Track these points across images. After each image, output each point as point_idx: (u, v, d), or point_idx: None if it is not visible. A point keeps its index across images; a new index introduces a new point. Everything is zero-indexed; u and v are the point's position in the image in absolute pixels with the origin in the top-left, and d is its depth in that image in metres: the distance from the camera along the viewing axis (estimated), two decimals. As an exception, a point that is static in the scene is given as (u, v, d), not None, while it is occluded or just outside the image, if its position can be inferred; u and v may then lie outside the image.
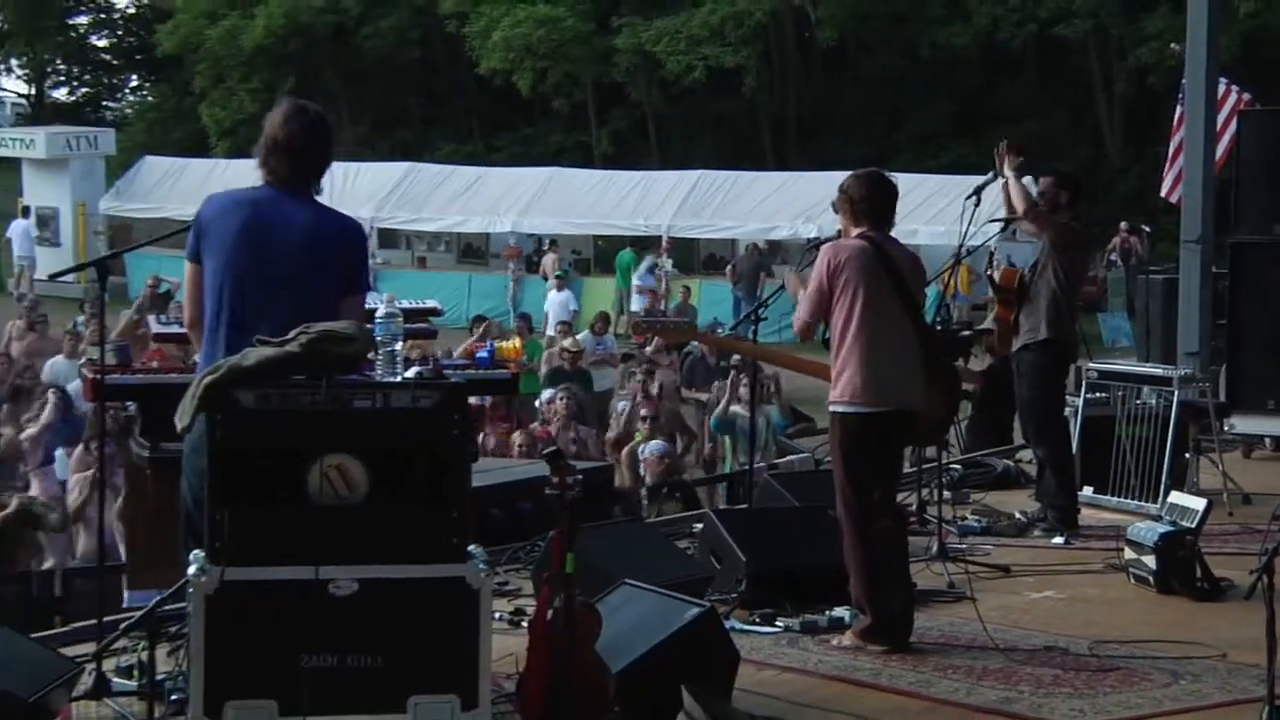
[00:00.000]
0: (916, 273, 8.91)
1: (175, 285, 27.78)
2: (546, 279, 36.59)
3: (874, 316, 8.51)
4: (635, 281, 34.71)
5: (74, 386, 17.34)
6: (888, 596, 8.56)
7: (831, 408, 8.68)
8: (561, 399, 17.60)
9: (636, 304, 32.84)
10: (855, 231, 8.75)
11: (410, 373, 6.47)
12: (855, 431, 8.56)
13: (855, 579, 8.58)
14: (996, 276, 12.30)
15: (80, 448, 14.55)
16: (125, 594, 10.86)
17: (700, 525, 10.54)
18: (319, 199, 7.19)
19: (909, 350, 8.60)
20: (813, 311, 8.75)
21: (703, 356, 23.44)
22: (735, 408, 17.09)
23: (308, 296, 6.88)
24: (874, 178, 8.90)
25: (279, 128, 7.10)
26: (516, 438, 16.67)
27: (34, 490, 13.90)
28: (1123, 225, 37.01)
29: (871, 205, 8.74)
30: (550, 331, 28.12)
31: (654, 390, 18.68)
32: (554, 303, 32.24)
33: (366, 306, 7.20)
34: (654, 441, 15.88)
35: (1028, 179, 11.77)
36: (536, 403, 19.13)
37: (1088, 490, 12.31)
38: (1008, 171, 11.57)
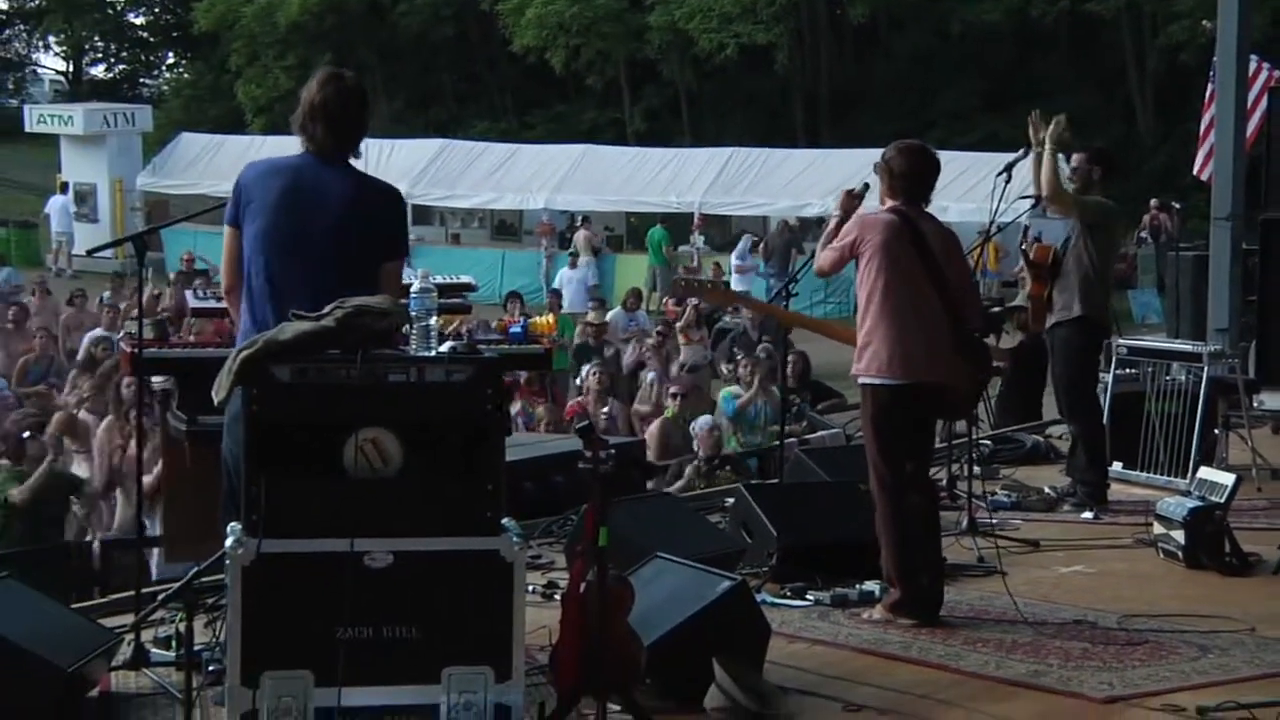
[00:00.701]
0: (949, 247, 8.83)
1: (214, 270, 27.97)
2: (579, 254, 36.61)
3: (900, 290, 8.53)
4: (734, 261, 34.15)
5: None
6: (918, 570, 8.61)
7: (860, 380, 8.71)
8: (594, 374, 17.67)
9: (737, 284, 31.96)
10: (889, 204, 8.76)
11: (444, 347, 6.52)
12: (885, 404, 8.59)
13: (886, 552, 8.62)
14: (1030, 253, 12.31)
15: (110, 418, 14.58)
16: (154, 567, 10.97)
17: (732, 499, 10.60)
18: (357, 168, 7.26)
19: (936, 324, 8.58)
20: (832, 264, 8.90)
21: (745, 331, 23.46)
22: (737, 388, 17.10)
23: (347, 262, 6.94)
24: (916, 153, 8.85)
25: (316, 93, 7.15)
26: (541, 414, 16.76)
27: (82, 472, 13.97)
28: (1153, 203, 36.91)
29: (909, 182, 8.73)
30: (566, 309, 28.10)
31: (665, 360, 18.73)
32: (569, 280, 32.25)
33: (402, 281, 7.25)
34: (704, 416, 15.91)
35: (1058, 155, 11.76)
36: (577, 380, 19.17)
37: (1117, 466, 12.33)
38: (1047, 146, 11.55)
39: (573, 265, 33.79)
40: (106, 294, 25.28)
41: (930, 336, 8.57)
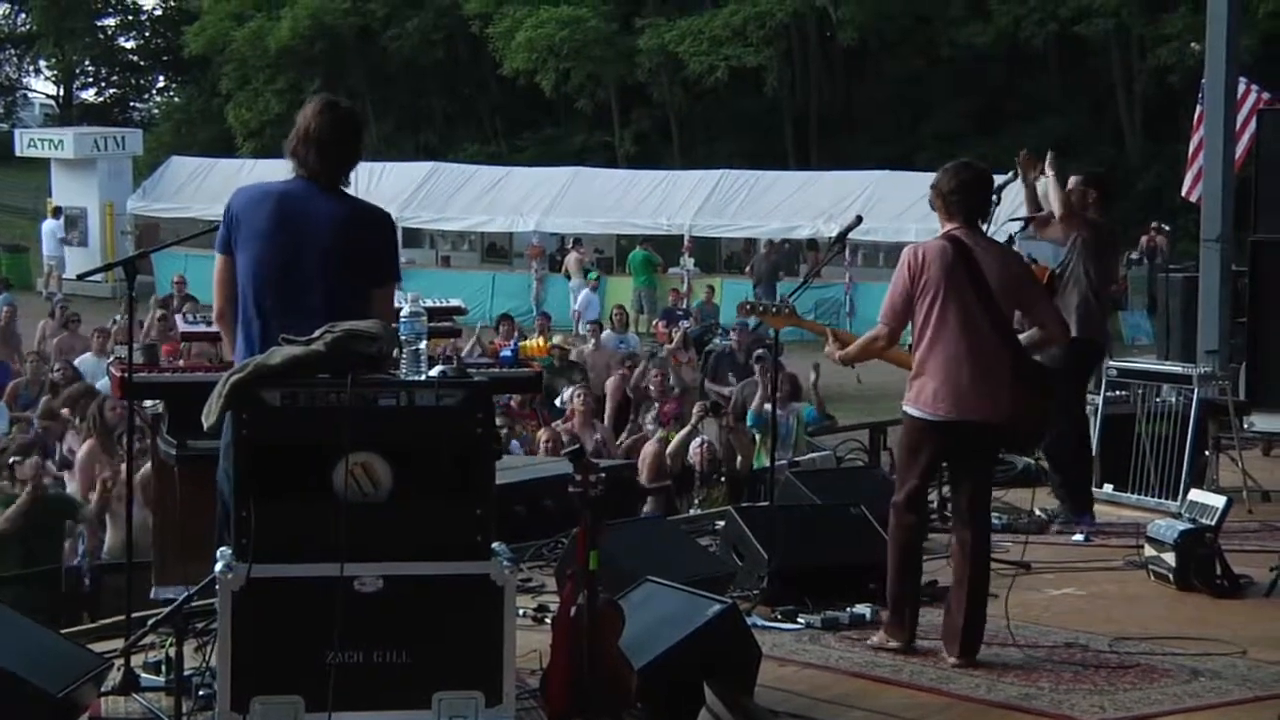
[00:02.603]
0: (1010, 274, 8.57)
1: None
2: (570, 278, 36.67)
3: (954, 321, 8.29)
4: None
5: (103, 384, 17.49)
6: (908, 595, 8.59)
7: (905, 409, 8.51)
8: (579, 396, 17.63)
9: None
10: (947, 228, 8.56)
11: (434, 371, 6.52)
12: (920, 435, 8.42)
13: (890, 574, 8.55)
14: None
15: (91, 441, 14.51)
16: (153, 589, 10.94)
17: (722, 522, 10.59)
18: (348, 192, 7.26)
19: (992, 358, 8.32)
20: (898, 317, 8.49)
21: (731, 352, 23.51)
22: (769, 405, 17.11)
23: (338, 287, 6.94)
24: (961, 167, 8.70)
25: (310, 120, 7.15)
26: (542, 435, 16.72)
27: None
28: (1154, 225, 36.87)
29: (963, 196, 8.54)
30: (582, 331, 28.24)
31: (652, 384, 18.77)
32: (591, 301, 32.39)
33: (394, 306, 7.23)
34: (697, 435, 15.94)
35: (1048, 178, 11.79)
36: (557, 401, 19.14)
37: (1108, 488, 12.36)
38: (1050, 172, 11.56)
39: (594, 288, 33.78)
40: (119, 316, 25.24)
41: (983, 369, 8.31)
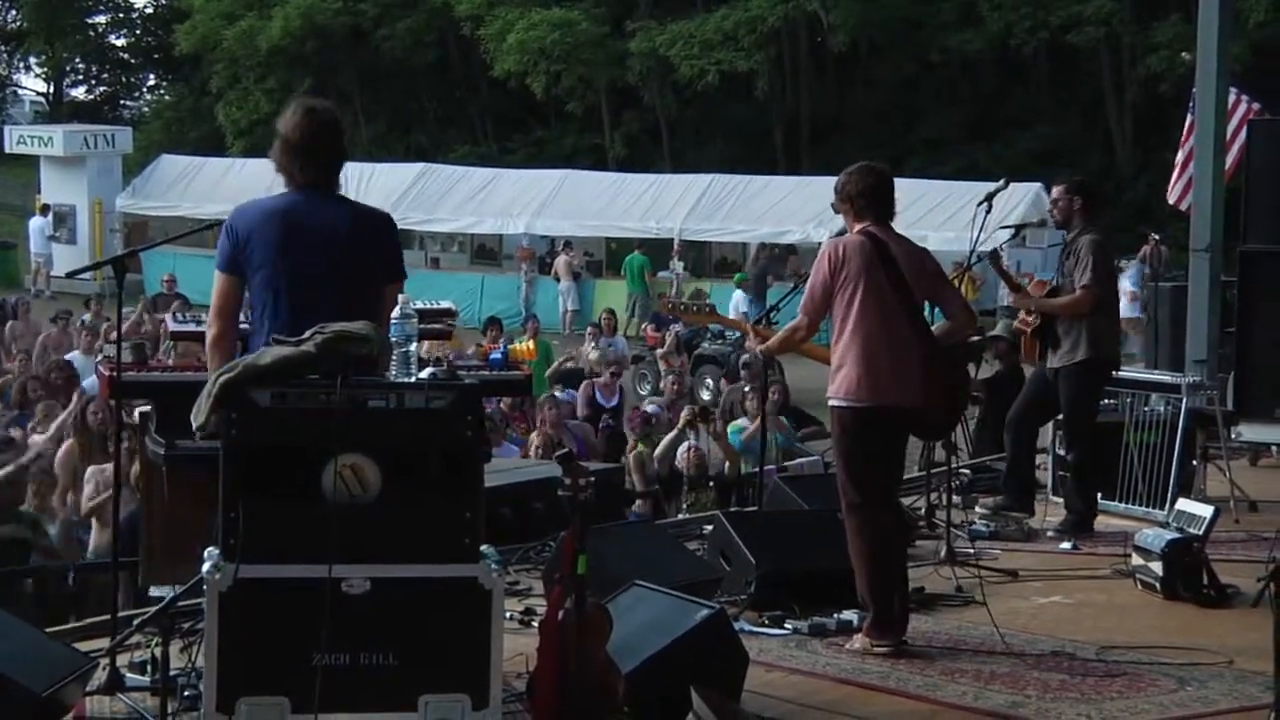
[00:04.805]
0: (921, 268, 8.79)
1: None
2: (559, 280, 36.71)
3: (871, 312, 8.51)
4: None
5: (90, 382, 17.46)
6: (891, 590, 8.60)
7: (830, 402, 8.72)
8: (549, 407, 17.53)
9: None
10: (858, 227, 8.73)
11: (424, 373, 6.51)
12: (850, 426, 8.60)
13: (859, 574, 8.60)
14: (1030, 290, 12.30)
15: (70, 442, 14.49)
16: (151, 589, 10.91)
17: (710, 527, 10.58)
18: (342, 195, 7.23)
19: (907, 347, 8.56)
20: (817, 308, 8.74)
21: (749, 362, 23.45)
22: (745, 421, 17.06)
23: (357, 289, 6.92)
24: (865, 170, 8.85)
25: (290, 129, 7.10)
26: (534, 439, 16.70)
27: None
28: (1155, 237, 36.71)
29: (870, 199, 8.71)
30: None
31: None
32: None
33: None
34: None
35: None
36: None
37: (1096, 496, 12.33)
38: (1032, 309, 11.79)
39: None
40: (87, 315, 25.27)
41: (900, 359, 8.55)
